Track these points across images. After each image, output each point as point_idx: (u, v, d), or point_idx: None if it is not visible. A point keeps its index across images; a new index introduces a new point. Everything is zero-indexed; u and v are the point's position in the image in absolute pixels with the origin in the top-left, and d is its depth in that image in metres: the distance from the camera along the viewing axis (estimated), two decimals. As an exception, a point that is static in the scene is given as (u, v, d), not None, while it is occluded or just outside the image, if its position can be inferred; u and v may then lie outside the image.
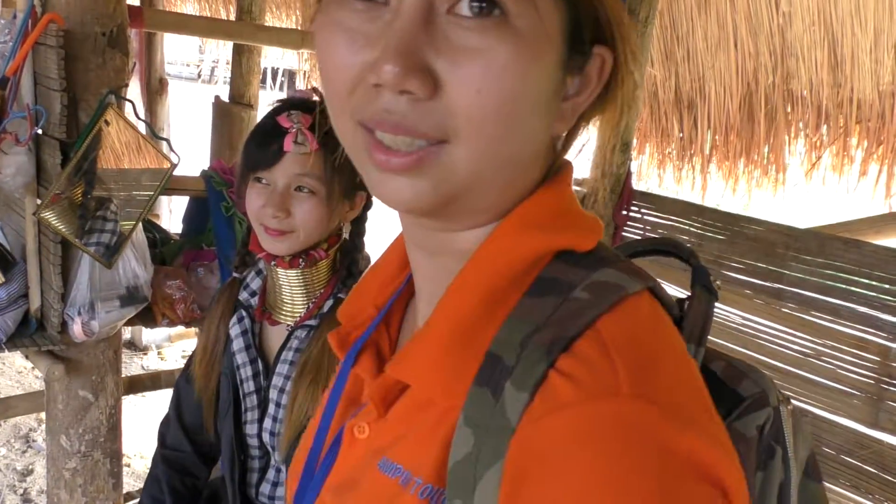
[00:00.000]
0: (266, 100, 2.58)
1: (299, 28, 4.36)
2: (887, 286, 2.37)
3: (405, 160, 0.55)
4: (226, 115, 3.44)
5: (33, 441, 3.95)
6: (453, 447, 0.56)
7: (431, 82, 0.53)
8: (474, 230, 0.63)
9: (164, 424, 1.74)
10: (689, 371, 0.56)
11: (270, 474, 1.63)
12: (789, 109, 3.59)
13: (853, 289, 2.45)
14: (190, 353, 1.77)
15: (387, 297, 0.77)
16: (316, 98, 1.54)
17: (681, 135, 3.96)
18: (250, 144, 1.50)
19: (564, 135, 0.65)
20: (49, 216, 1.85)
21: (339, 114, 0.59)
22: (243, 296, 1.61)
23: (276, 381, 1.55)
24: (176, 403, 1.73)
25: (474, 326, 0.59)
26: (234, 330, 1.58)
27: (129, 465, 3.80)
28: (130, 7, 2.01)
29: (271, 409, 1.56)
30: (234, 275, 1.65)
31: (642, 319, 0.57)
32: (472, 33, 0.53)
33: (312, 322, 1.54)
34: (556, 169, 0.65)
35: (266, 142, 1.46)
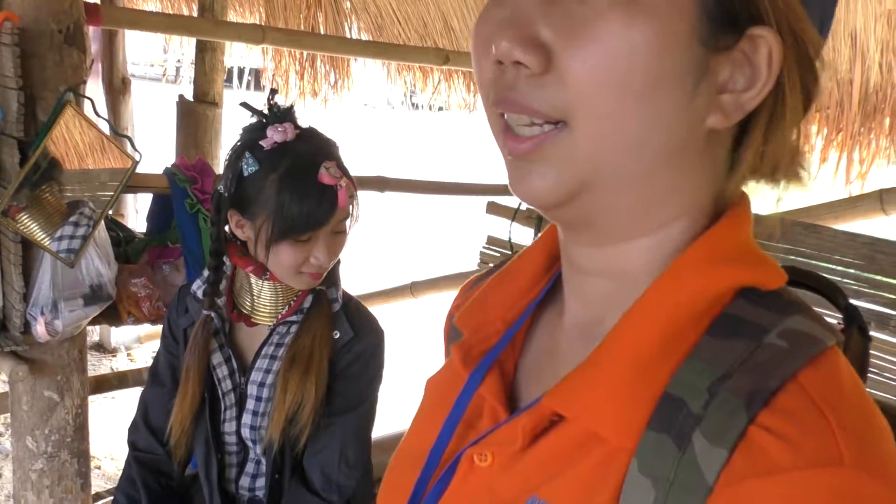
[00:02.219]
0: (231, 98, 2.56)
1: (261, 24, 4.34)
2: (847, 270, 2.42)
3: (528, 144, 0.53)
4: (190, 113, 3.42)
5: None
6: (625, 495, 0.52)
7: (544, 54, 0.51)
8: (631, 246, 0.59)
9: (133, 431, 1.73)
10: (891, 434, 0.51)
11: (249, 467, 1.65)
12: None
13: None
14: (156, 354, 1.76)
15: (518, 312, 0.70)
16: (296, 128, 1.51)
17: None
18: (294, 208, 1.44)
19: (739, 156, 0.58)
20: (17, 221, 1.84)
21: (487, 107, 0.58)
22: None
23: (255, 376, 1.57)
24: (143, 410, 1.72)
25: (652, 363, 0.54)
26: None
27: (99, 468, 3.77)
28: (87, 4, 1.99)
29: (250, 404, 1.58)
30: (204, 312, 1.59)
31: (844, 377, 0.52)
32: (589, 1, 0.50)
33: (294, 318, 1.57)
34: (730, 196, 0.60)
35: (313, 204, 1.44)
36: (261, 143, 1.46)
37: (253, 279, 1.54)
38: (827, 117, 3.40)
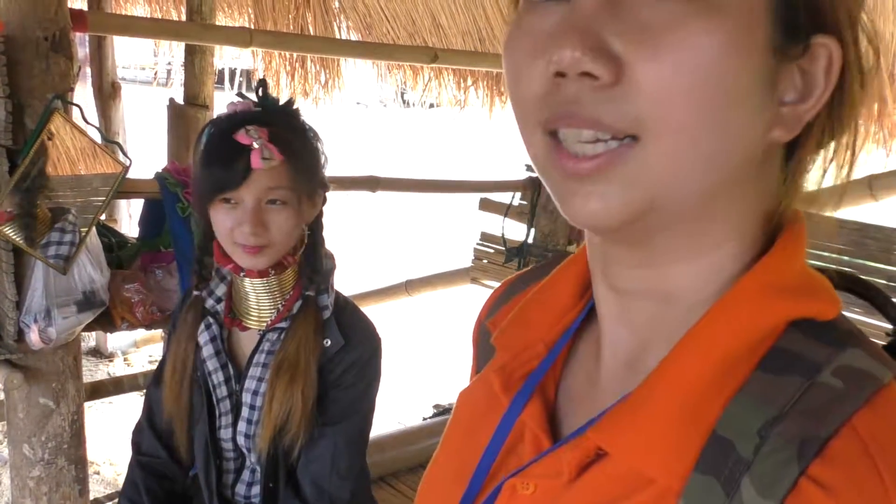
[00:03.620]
0: (223, 101, 2.56)
1: (249, 26, 4.34)
2: (837, 256, 2.43)
3: (591, 163, 0.49)
4: (181, 116, 3.41)
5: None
6: None
7: (614, 64, 0.47)
8: (681, 267, 0.56)
9: (137, 432, 1.73)
10: None
11: (245, 475, 1.65)
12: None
13: (805, 260, 2.50)
14: (157, 357, 1.76)
15: (558, 334, 0.67)
16: (256, 105, 1.52)
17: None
18: (210, 166, 1.46)
19: (791, 174, 0.56)
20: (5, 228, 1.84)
21: (525, 125, 0.53)
22: (209, 303, 1.60)
23: (249, 384, 1.56)
24: (148, 411, 1.72)
25: (702, 400, 0.52)
26: (203, 337, 1.58)
27: (98, 473, 3.77)
28: (73, 10, 1.99)
29: (245, 412, 1.57)
30: (195, 293, 1.62)
31: None
32: (660, 7, 0.47)
33: (283, 324, 1.55)
34: (783, 213, 0.57)
35: (230, 162, 1.43)
36: None
37: (238, 279, 1.54)
38: (816, 105, 3.42)
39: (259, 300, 1.54)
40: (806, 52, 0.51)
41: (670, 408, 0.52)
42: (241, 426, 1.57)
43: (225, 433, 1.60)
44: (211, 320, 1.58)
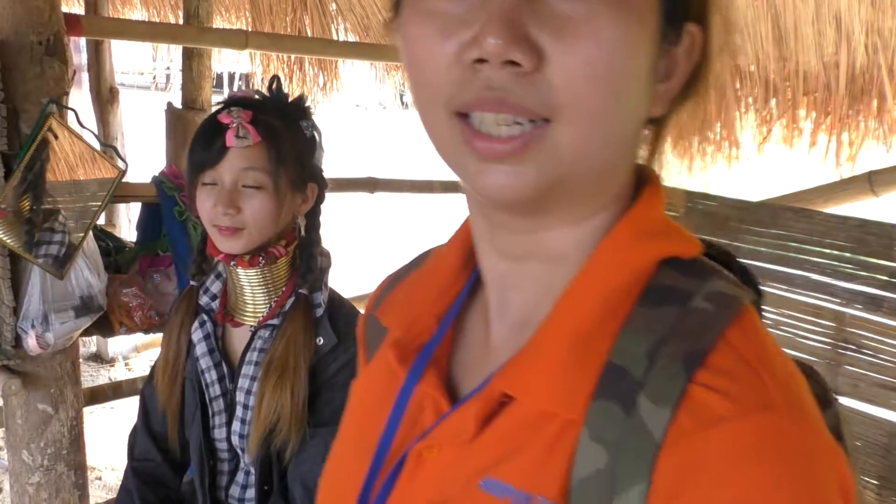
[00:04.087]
0: (219, 104, 2.56)
1: (245, 29, 4.33)
2: (838, 253, 2.42)
3: (509, 145, 0.52)
4: (179, 120, 3.40)
5: (-2, 460, 3.90)
6: (577, 463, 0.54)
7: (536, 53, 0.51)
8: (566, 230, 0.61)
9: (132, 435, 1.73)
10: (803, 380, 0.57)
11: (240, 477, 1.63)
12: (738, 85, 3.63)
13: (806, 258, 2.49)
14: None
15: (447, 306, 0.71)
16: (257, 96, 1.54)
17: (634, 116, 4.00)
18: (194, 147, 1.49)
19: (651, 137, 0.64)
20: (-4, 230, 1.83)
21: (431, 107, 0.56)
22: (204, 300, 1.60)
23: (242, 382, 1.55)
24: (143, 413, 1.72)
25: (592, 336, 0.57)
26: (197, 335, 1.57)
27: (100, 478, 3.76)
28: (68, 15, 1.99)
29: (239, 411, 1.56)
30: (192, 283, 1.63)
31: (762, 331, 0.57)
32: (575, 2, 0.51)
33: (275, 321, 1.54)
34: (642, 173, 0.64)
35: (208, 141, 1.46)
36: None
37: (233, 274, 1.53)
38: (814, 101, 3.40)
39: (254, 293, 1.54)
40: (679, 39, 0.57)
41: (564, 346, 0.57)
42: (236, 426, 1.56)
43: (219, 433, 1.58)
44: (205, 318, 1.57)
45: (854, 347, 2.36)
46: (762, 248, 2.57)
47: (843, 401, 2.40)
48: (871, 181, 2.79)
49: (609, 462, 0.53)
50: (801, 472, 0.50)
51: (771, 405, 0.51)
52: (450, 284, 0.72)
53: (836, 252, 2.42)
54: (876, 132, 3.31)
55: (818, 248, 2.46)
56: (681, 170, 4.01)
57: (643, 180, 0.63)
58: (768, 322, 2.55)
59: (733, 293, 0.58)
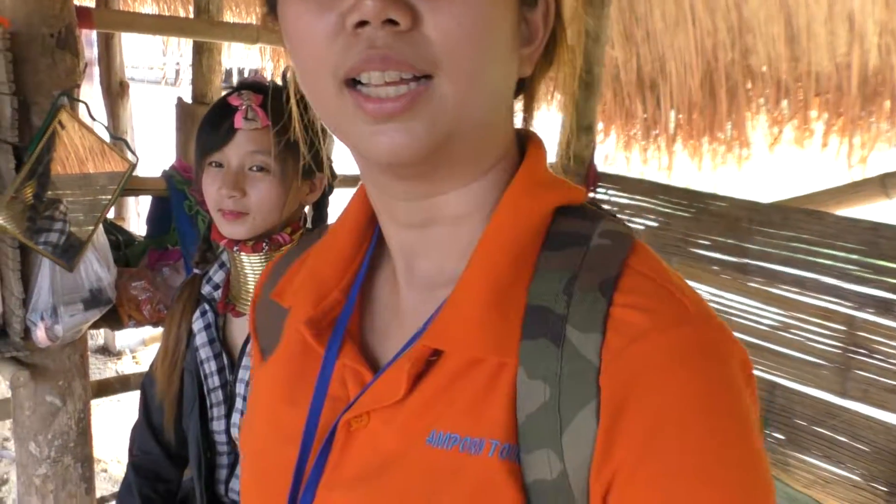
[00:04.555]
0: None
1: (255, 23, 4.33)
2: (850, 255, 2.40)
3: (399, 102, 0.55)
4: (189, 115, 3.41)
5: (4, 450, 3.90)
6: (520, 401, 0.58)
7: (411, 13, 0.54)
8: (461, 191, 0.64)
9: (133, 429, 1.72)
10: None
11: (240, 470, 1.63)
12: (749, 86, 3.62)
13: (817, 260, 2.48)
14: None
15: (350, 279, 0.73)
16: (267, 81, 1.54)
17: (645, 115, 3.98)
18: (203, 128, 1.49)
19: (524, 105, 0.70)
20: (5, 221, 1.83)
21: (319, 80, 0.59)
22: (206, 289, 1.59)
23: (243, 374, 1.53)
24: (143, 405, 1.71)
25: (510, 283, 0.61)
26: (198, 324, 1.56)
27: (105, 471, 3.77)
28: (79, 7, 1.98)
29: (238, 403, 1.54)
30: (195, 271, 1.63)
31: (655, 256, 0.63)
32: None
33: None
34: (525, 136, 0.70)
35: (217, 122, 1.46)
36: None
37: (237, 260, 1.53)
38: (827, 102, 3.39)
39: (255, 280, 1.53)
40: (535, 5, 0.63)
41: (485, 295, 0.61)
42: (235, 418, 1.55)
43: (217, 425, 1.57)
44: (207, 307, 1.57)
45: (865, 351, 2.35)
46: (772, 250, 2.56)
47: (853, 405, 2.39)
48: (884, 183, 2.77)
49: (552, 394, 0.57)
50: (719, 367, 0.57)
51: (686, 316, 0.57)
52: (351, 256, 0.74)
53: (847, 255, 2.41)
54: (888, 134, 3.29)
55: (829, 251, 2.45)
56: (691, 169, 4.01)
57: (525, 141, 0.69)
58: (777, 324, 2.54)
59: (624, 230, 0.65)
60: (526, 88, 0.69)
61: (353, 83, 0.57)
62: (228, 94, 1.48)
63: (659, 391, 0.55)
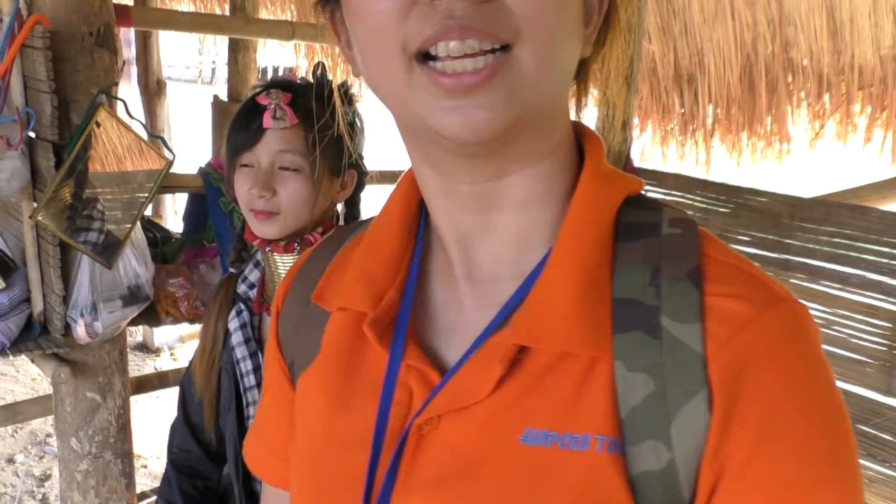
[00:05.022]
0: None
1: (291, 20, 4.35)
2: (894, 251, 2.35)
3: (477, 76, 0.53)
4: (224, 113, 3.42)
5: (47, 445, 3.96)
6: (622, 395, 0.58)
7: None
8: (527, 172, 0.63)
9: (172, 428, 1.73)
10: None
11: None
12: (790, 79, 3.56)
13: (861, 256, 2.42)
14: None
15: (404, 277, 0.71)
16: (299, 80, 1.53)
17: (682, 110, 3.93)
18: (232, 129, 1.49)
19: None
20: (45, 219, 1.85)
21: (386, 57, 0.56)
22: (241, 288, 1.60)
23: None
24: (182, 403, 1.72)
25: (596, 275, 0.61)
26: (233, 323, 1.57)
27: (145, 466, 3.82)
28: (117, 5, 2.00)
29: None
30: (231, 270, 1.63)
31: (722, 242, 0.63)
32: None
33: None
34: (576, 126, 0.69)
35: (246, 122, 1.46)
36: None
37: (270, 260, 1.52)
38: (870, 95, 3.32)
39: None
40: None
41: (574, 289, 0.60)
42: None
43: None
44: (242, 306, 1.57)
45: (910, 349, 2.30)
46: (815, 246, 2.51)
47: (898, 403, 2.34)
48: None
49: (657, 385, 0.57)
50: (813, 343, 0.59)
51: (777, 297, 0.59)
52: (402, 252, 0.71)
53: (892, 250, 2.35)
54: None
55: (874, 246, 2.40)
56: (729, 164, 3.95)
57: (579, 133, 0.68)
58: (821, 322, 2.49)
59: (686, 217, 0.65)
60: (580, 74, 0.67)
61: (423, 58, 0.55)
62: (257, 94, 1.48)
63: (769, 379, 0.56)
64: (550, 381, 0.60)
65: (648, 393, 0.57)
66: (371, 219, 0.79)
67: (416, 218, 0.72)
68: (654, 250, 0.61)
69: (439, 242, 0.70)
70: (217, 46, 6.06)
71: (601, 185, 0.64)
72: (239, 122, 1.48)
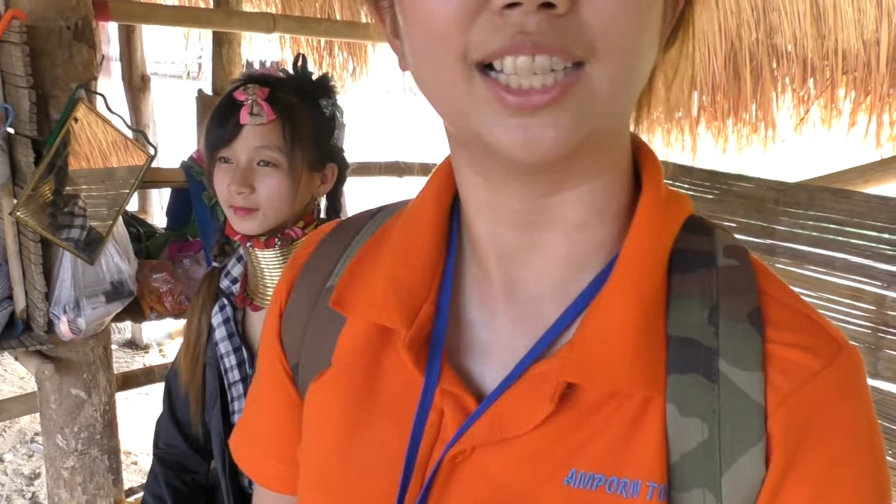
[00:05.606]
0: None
1: (273, 12, 4.33)
2: (879, 234, 2.35)
3: (547, 95, 0.49)
4: (208, 107, 3.40)
5: (34, 443, 3.95)
6: (673, 439, 0.55)
7: None
8: (582, 190, 0.58)
9: (157, 424, 1.73)
10: None
11: None
12: (775, 65, 3.56)
13: (846, 240, 2.43)
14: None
15: (437, 290, 0.65)
16: (281, 74, 1.52)
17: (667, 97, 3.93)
18: (210, 125, 1.47)
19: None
20: (26, 216, 1.84)
21: (443, 63, 0.51)
22: (224, 283, 1.59)
23: None
24: (168, 398, 1.71)
25: (651, 310, 0.57)
26: (217, 319, 1.56)
27: (135, 463, 3.81)
28: (95, 0, 1.98)
29: None
30: (214, 264, 1.62)
31: (775, 275, 0.60)
32: None
33: None
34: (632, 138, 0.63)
35: (224, 118, 1.44)
36: None
37: (252, 255, 1.51)
38: (854, 79, 3.32)
39: (272, 276, 1.51)
40: None
41: (632, 325, 0.56)
42: None
43: (238, 419, 1.57)
44: (225, 301, 1.56)
45: (895, 331, 2.31)
46: (800, 231, 2.52)
47: (884, 385, 2.35)
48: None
49: (711, 433, 0.54)
50: (867, 391, 0.58)
51: (839, 346, 0.57)
52: (436, 261, 0.65)
53: (876, 234, 2.36)
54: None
55: (858, 230, 2.40)
56: (715, 151, 3.95)
57: (635, 147, 0.63)
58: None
59: (738, 244, 0.61)
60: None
61: (484, 68, 0.50)
62: (234, 89, 1.46)
63: (830, 438, 0.55)
64: (600, 420, 0.57)
65: (701, 441, 0.55)
66: (381, 210, 0.74)
67: (448, 220, 0.67)
68: (710, 285, 0.58)
69: (473, 251, 0.65)
70: (202, 41, 6.03)
71: (663, 210, 0.59)
72: (216, 117, 1.47)
